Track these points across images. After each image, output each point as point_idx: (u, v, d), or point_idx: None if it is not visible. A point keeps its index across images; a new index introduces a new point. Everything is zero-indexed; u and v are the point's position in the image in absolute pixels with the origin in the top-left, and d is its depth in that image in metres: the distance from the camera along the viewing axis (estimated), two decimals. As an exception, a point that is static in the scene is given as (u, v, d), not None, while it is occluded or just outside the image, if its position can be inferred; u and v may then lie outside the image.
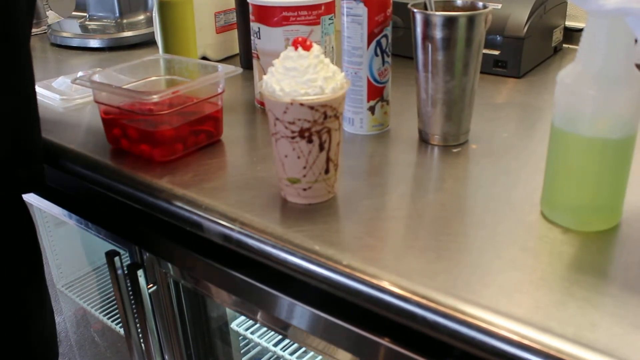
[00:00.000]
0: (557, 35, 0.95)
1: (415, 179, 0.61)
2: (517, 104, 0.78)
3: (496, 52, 0.86)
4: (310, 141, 0.52)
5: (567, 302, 0.41)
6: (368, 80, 0.67)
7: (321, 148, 0.53)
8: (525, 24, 0.84)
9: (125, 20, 1.20)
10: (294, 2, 0.70)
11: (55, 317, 1.19)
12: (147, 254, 0.71)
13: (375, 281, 0.45)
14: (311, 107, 0.50)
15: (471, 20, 0.60)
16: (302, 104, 0.50)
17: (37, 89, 0.88)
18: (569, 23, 0.99)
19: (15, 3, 0.56)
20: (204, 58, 1.00)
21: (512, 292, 0.43)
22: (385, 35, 0.66)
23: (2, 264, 0.62)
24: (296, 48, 0.52)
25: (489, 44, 0.85)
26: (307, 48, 0.51)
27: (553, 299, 0.42)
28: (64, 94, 0.86)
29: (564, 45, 0.99)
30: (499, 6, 0.86)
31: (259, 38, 0.73)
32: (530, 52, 0.87)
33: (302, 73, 0.51)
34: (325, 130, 0.52)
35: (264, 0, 0.71)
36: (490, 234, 0.50)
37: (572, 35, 0.99)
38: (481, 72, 0.64)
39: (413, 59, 0.64)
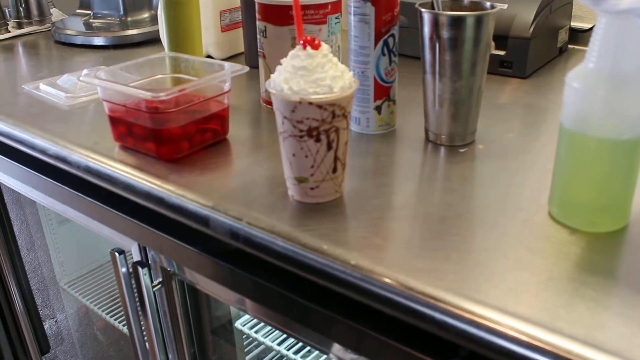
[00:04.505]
0: (563, 35, 0.95)
1: (422, 178, 0.61)
2: (523, 104, 0.78)
3: (502, 53, 0.86)
4: (318, 140, 0.52)
5: (575, 303, 0.41)
6: (375, 80, 0.67)
7: (329, 147, 0.52)
8: (531, 25, 0.84)
9: (129, 18, 1.20)
10: (301, 1, 0.70)
11: (58, 315, 1.20)
12: (152, 252, 0.70)
13: (383, 280, 0.45)
14: (320, 106, 0.50)
15: (479, 20, 0.60)
16: (310, 103, 0.50)
17: (42, 86, 0.89)
18: (575, 24, 0.98)
19: None
20: (208, 57, 1.00)
21: (520, 293, 0.43)
22: (393, 35, 0.66)
23: None
24: (305, 47, 0.51)
25: (494, 45, 0.85)
26: (315, 47, 0.51)
27: (561, 299, 0.42)
28: (69, 91, 0.86)
29: (570, 45, 0.99)
30: (505, 6, 0.85)
31: (265, 37, 0.73)
32: (535, 52, 0.87)
33: (311, 72, 0.50)
34: (334, 129, 0.52)
35: (271, -1, 0.71)
36: (497, 234, 0.50)
37: (578, 35, 0.99)
38: (487, 73, 0.64)
39: (420, 58, 0.64)
